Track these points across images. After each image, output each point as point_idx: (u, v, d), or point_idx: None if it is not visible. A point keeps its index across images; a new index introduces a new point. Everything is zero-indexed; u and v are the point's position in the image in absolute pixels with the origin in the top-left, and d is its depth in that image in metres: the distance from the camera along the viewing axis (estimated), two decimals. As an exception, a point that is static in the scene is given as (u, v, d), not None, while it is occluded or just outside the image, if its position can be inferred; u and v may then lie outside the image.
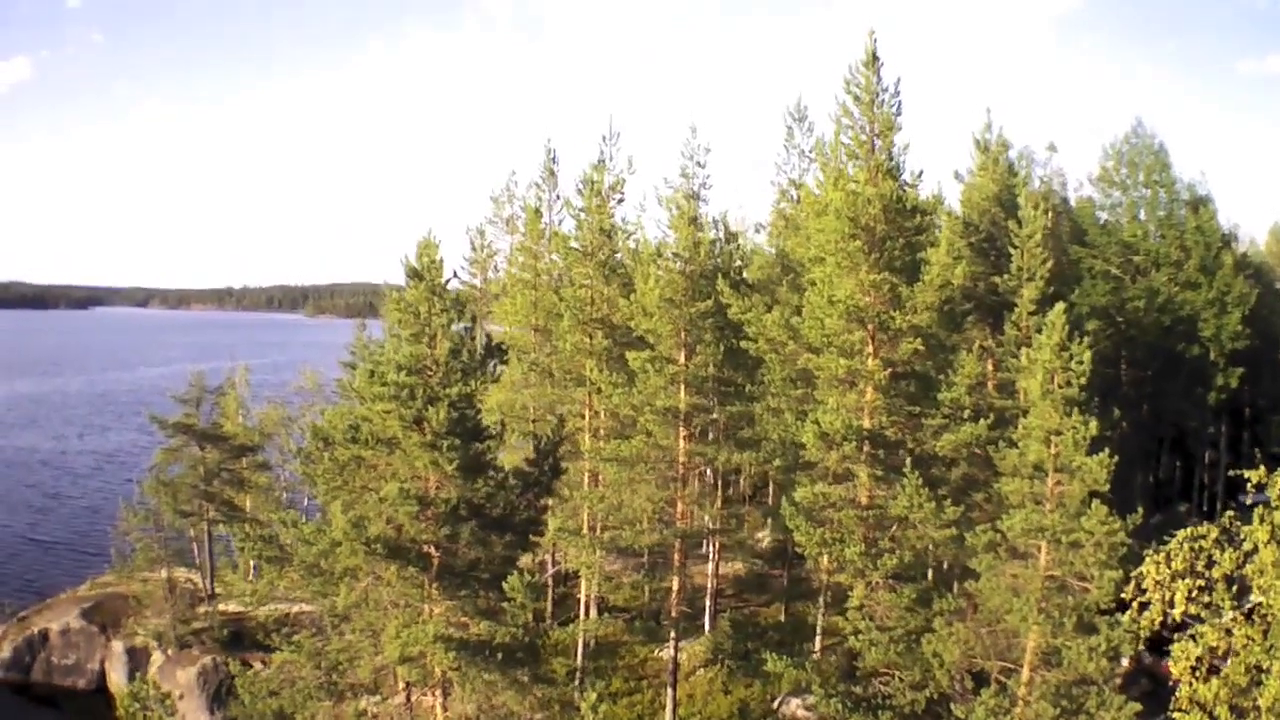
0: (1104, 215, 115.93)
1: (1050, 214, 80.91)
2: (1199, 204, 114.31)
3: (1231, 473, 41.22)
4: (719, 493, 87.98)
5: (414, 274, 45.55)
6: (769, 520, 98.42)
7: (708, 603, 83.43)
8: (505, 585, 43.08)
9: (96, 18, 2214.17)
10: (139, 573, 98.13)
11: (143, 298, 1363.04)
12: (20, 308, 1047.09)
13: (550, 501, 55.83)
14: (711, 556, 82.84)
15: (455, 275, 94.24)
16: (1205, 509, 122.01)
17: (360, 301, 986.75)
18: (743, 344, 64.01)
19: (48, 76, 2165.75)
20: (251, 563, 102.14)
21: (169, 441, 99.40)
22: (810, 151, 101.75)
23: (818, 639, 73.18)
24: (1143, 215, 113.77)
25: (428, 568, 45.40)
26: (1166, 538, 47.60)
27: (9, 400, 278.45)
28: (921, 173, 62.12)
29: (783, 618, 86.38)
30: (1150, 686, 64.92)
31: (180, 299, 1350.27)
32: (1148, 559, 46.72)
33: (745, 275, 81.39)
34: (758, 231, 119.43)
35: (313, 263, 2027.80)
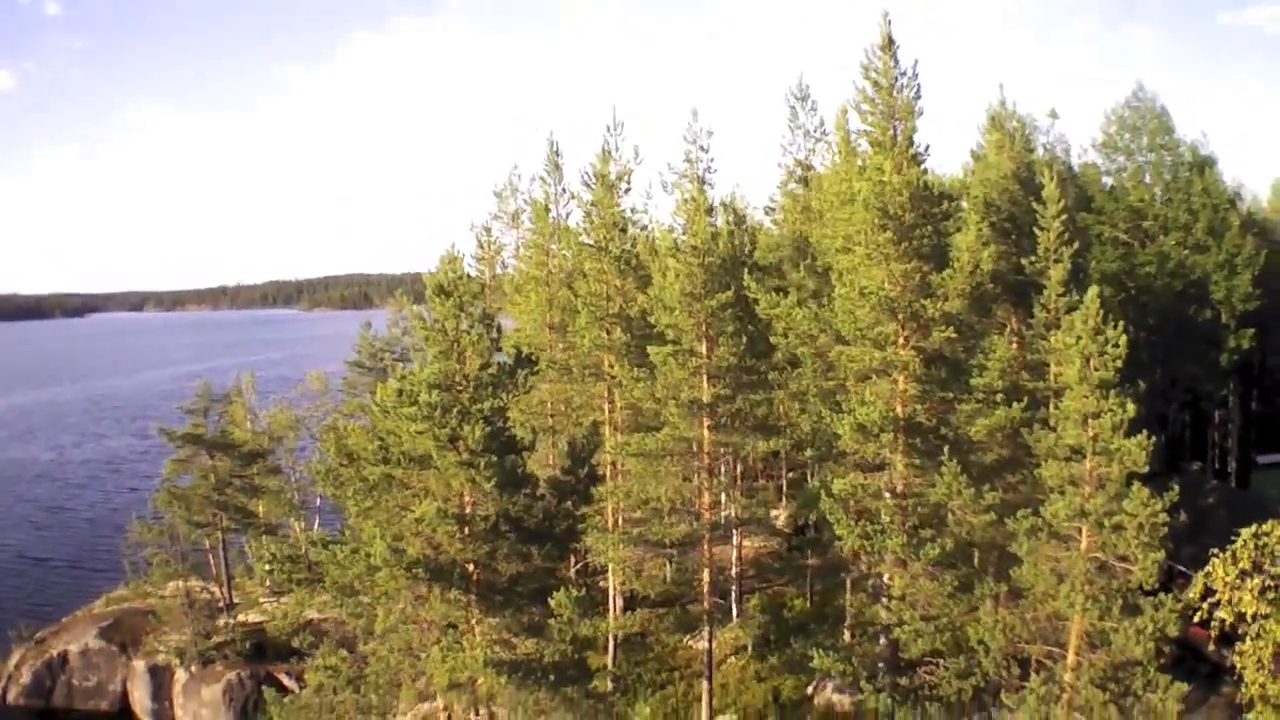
0: (1109, 180, 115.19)
1: (1058, 182, 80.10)
2: (1204, 165, 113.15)
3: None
4: (737, 474, 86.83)
5: (440, 290, 44.64)
6: (784, 499, 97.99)
7: (733, 587, 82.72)
8: (551, 602, 42.45)
9: (76, 24, 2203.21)
10: (156, 588, 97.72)
11: (138, 301, 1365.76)
12: (16, 319, 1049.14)
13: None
14: (734, 539, 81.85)
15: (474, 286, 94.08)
16: (1218, 466, 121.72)
17: (355, 293, 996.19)
18: (773, 340, 63.24)
19: (31, 86, 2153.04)
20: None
21: (174, 451, 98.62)
22: (815, 131, 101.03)
23: (846, 630, 72.61)
24: (1148, 179, 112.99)
25: (469, 587, 44.59)
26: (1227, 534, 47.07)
27: (4, 413, 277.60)
28: (928, 147, 60.85)
29: (809, 598, 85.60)
30: (1180, 654, 64.25)
31: (175, 300, 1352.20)
32: (1214, 560, 46.21)
33: (754, 257, 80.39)
34: (768, 214, 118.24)
35: (306, 256, 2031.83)
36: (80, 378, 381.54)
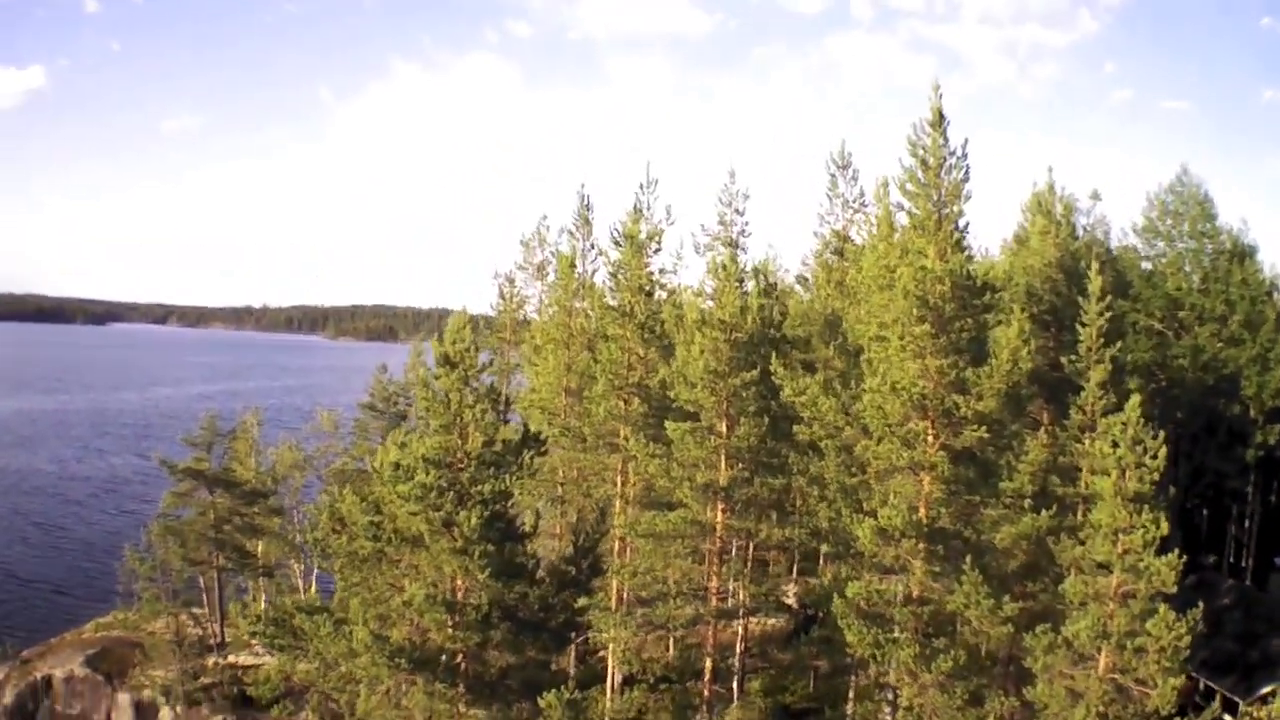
0: (1147, 265, 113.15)
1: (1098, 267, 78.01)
2: (1243, 255, 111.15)
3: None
4: (749, 553, 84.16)
5: (445, 360, 42.23)
6: (794, 574, 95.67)
7: (736, 665, 80.00)
8: (541, 701, 40.06)
9: (114, 26, 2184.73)
10: (145, 622, 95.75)
11: (161, 314, 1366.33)
12: (38, 320, 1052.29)
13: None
14: (741, 622, 79.25)
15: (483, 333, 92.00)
16: (1233, 560, 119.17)
17: (380, 325, 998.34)
18: (796, 429, 60.75)
19: (64, 85, 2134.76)
20: (264, 609, 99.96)
21: (174, 483, 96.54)
22: (855, 201, 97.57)
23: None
24: (1187, 267, 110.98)
25: (456, 679, 42.16)
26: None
27: (9, 418, 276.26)
28: (968, 224, 58.04)
29: (812, 682, 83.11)
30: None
31: (199, 317, 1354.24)
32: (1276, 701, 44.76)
33: (784, 329, 77.66)
34: (800, 283, 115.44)
35: (334, 284, 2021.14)
36: (91, 388, 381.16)
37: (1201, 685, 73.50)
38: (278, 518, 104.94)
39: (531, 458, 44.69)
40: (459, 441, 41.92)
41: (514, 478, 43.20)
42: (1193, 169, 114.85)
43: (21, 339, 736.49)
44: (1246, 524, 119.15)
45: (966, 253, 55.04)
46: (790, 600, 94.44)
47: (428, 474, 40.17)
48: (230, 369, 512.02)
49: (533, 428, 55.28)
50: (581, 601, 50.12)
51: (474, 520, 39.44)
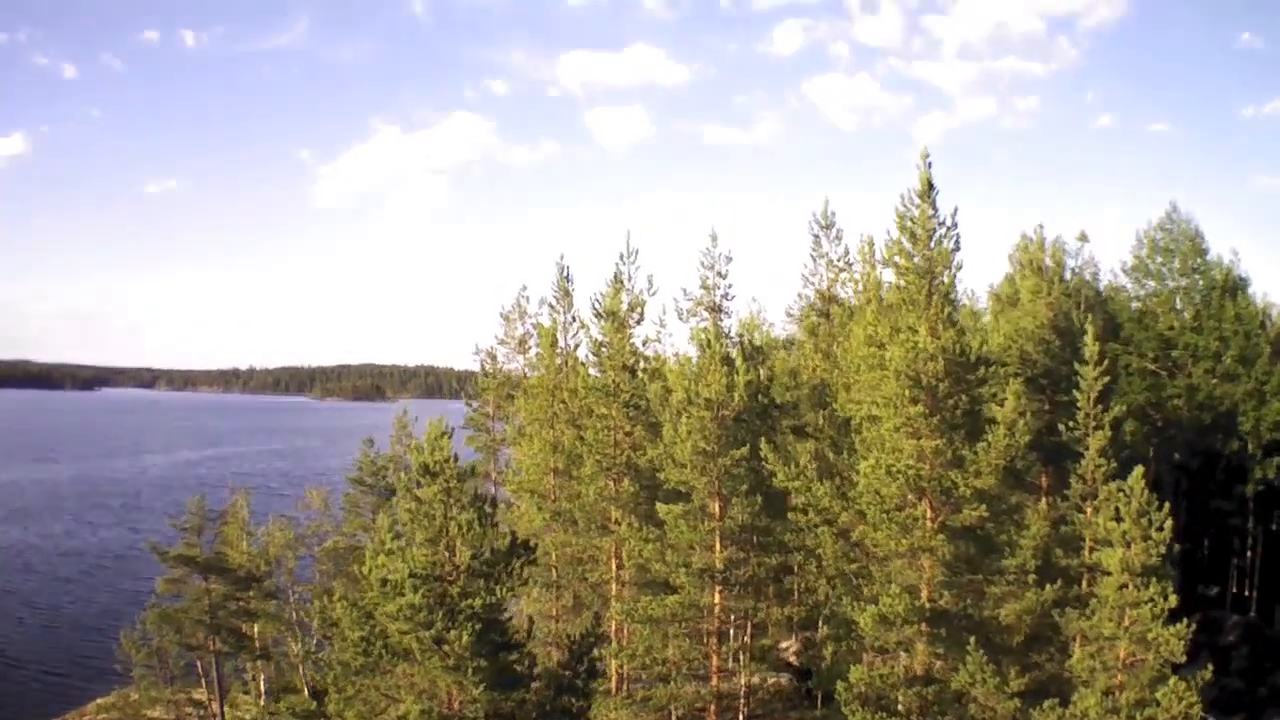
0: (1137, 305, 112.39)
1: (1085, 311, 77.18)
2: (1236, 289, 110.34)
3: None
4: (749, 627, 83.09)
5: (426, 471, 41.22)
6: (795, 631, 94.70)
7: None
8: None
9: (94, 92, 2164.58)
10: (146, 704, 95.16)
11: (149, 378, 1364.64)
12: (26, 387, 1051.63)
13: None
14: (742, 696, 78.04)
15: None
16: (1236, 590, 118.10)
17: (367, 384, 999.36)
18: (791, 515, 59.77)
19: (46, 151, 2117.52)
20: (263, 687, 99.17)
21: (166, 568, 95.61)
22: (840, 260, 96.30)
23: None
24: (1179, 304, 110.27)
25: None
26: None
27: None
28: (958, 270, 56.85)
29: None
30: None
31: (187, 380, 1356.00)
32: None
33: (773, 393, 76.73)
34: (786, 347, 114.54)
35: (320, 343, 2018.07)
36: (81, 456, 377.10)
37: (1209, 724, 72.86)
38: (273, 600, 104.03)
39: (522, 565, 43.66)
40: (446, 554, 41.06)
41: (505, 589, 42.29)
42: (1179, 195, 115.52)
43: (10, 406, 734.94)
44: (1249, 555, 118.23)
45: (957, 325, 53.83)
46: (792, 659, 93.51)
47: (416, 592, 39.27)
48: (218, 434, 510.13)
49: (523, 507, 54.22)
50: (580, 705, 49.28)
51: (465, 638, 38.57)
